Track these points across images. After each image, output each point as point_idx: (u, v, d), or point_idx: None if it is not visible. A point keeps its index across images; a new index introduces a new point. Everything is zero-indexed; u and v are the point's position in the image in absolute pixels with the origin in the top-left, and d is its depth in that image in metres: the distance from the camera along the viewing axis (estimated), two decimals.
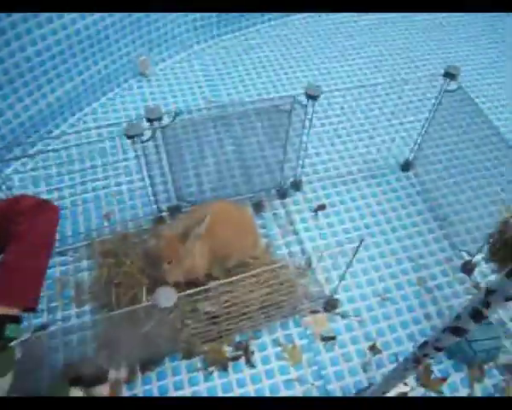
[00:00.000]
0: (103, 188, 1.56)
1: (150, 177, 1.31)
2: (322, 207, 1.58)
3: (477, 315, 0.60)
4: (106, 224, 1.48)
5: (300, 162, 1.53)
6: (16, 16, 1.38)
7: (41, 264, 0.96)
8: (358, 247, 1.01)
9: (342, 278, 1.19)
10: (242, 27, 2.24)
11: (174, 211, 1.50)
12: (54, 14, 1.48)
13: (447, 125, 1.65)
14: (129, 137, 1.13)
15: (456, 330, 0.66)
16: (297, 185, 1.61)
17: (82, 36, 1.61)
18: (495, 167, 1.67)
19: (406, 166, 1.72)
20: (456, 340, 0.68)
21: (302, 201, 1.60)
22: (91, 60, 1.70)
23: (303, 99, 1.29)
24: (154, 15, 1.84)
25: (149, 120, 1.17)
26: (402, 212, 1.60)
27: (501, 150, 1.53)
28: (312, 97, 1.27)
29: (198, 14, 2.03)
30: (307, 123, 1.37)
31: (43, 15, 1.45)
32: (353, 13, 2.42)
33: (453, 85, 1.42)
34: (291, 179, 1.60)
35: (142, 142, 1.16)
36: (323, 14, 2.41)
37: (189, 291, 0.93)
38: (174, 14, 1.94)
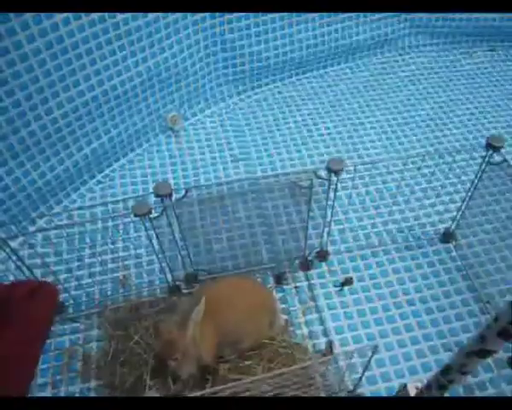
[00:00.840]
0: (115, 259, 1.52)
1: (162, 248, 1.25)
2: (349, 281, 1.46)
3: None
4: (121, 290, 1.43)
5: (327, 230, 1.43)
6: (44, 81, 1.40)
7: (32, 351, 0.92)
8: (372, 356, 0.90)
9: (366, 368, 1.07)
10: (277, 80, 2.19)
11: (190, 279, 1.43)
12: (81, 78, 1.49)
13: (491, 198, 1.50)
14: (136, 216, 1.07)
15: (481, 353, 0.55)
16: (323, 256, 1.51)
17: (109, 96, 1.61)
18: None
19: (446, 238, 1.58)
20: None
21: (327, 273, 1.49)
22: (119, 118, 1.70)
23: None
24: (183, 72, 1.83)
25: (158, 196, 1.12)
26: (439, 290, 1.45)
27: None
28: (334, 172, 1.18)
29: (230, 68, 2.00)
30: (332, 194, 1.27)
31: (70, 79, 1.47)
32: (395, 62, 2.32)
33: (497, 158, 1.28)
34: (316, 249, 1.50)
35: (151, 219, 1.10)
36: (361, 64, 2.33)
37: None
38: (205, 70, 1.92)
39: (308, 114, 2.05)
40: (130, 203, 1.47)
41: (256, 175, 1.73)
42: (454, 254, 1.55)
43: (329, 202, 1.31)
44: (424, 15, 2.34)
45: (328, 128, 1.99)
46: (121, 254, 1.49)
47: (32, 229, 1.56)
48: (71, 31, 1.40)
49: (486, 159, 1.28)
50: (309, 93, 2.18)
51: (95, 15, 1.44)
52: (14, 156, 1.43)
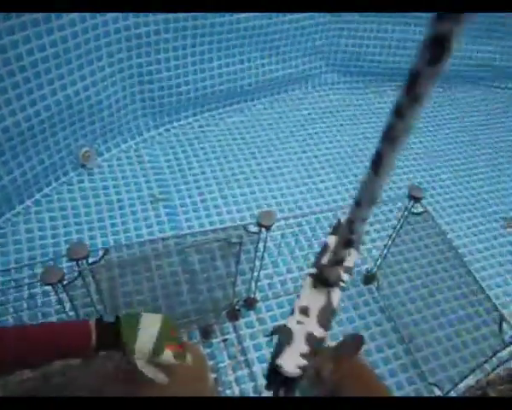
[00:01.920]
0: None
1: (76, 313, 1.11)
2: (280, 330, 1.42)
3: None
4: None
5: (255, 277, 1.38)
6: None
7: None
8: None
9: None
10: (197, 113, 2.13)
11: None
12: None
13: (412, 244, 1.56)
14: (47, 285, 0.94)
15: None
16: (251, 303, 1.46)
17: (11, 133, 1.43)
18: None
19: (368, 279, 1.61)
20: None
21: (256, 322, 1.44)
22: (23, 157, 1.51)
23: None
24: (97, 105, 1.69)
25: (73, 259, 0.99)
26: (365, 334, 1.47)
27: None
28: (265, 227, 1.14)
29: (148, 101, 1.90)
30: (261, 246, 1.23)
31: None
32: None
33: (419, 208, 1.33)
34: (244, 297, 1.45)
35: (64, 286, 0.97)
36: (280, 99, 2.36)
37: None
38: (121, 102, 1.80)
39: (230, 150, 2.01)
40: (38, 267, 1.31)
41: (182, 231, 1.63)
42: (376, 295, 1.59)
43: (258, 253, 1.27)
44: (339, 56, 2.43)
45: (250, 166, 1.95)
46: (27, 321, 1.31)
47: None
48: None
49: (408, 208, 1.32)
50: (229, 127, 2.14)
51: None
52: None
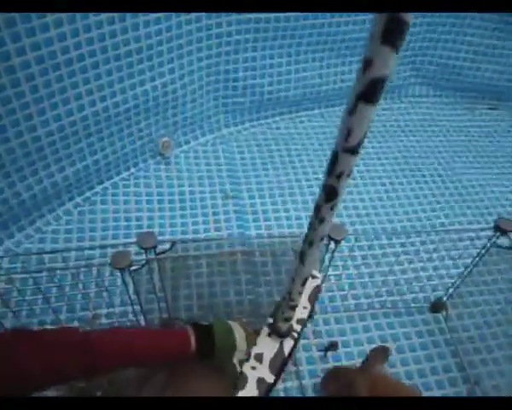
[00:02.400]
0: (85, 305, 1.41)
1: (139, 298, 1.14)
2: (334, 346, 1.38)
3: None
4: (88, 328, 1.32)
5: None
6: (30, 97, 1.29)
7: None
8: None
9: None
10: (276, 114, 2.12)
11: (164, 326, 1.33)
12: (71, 96, 1.39)
13: (490, 277, 1.44)
14: (115, 268, 0.97)
15: None
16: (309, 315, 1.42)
17: (99, 117, 1.51)
18: None
19: (436, 308, 1.51)
20: None
21: (312, 335, 1.40)
22: (107, 141, 1.59)
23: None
24: (182, 98, 1.74)
25: (142, 248, 1.02)
26: (426, 366, 1.38)
27: None
28: (335, 241, 1.10)
29: (230, 99, 1.92)
30: (327, 261, 1.19)
31: (59, 98, 1.36)
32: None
33: (504, 241, 1.22)
34: None
35: (131, 272, 1.00)
36: None
37: None
38: (204, 98, 1.84)
39: (306, 155, 1.98)
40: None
41: (248, 231, 1.63)
42: (443, 325, 1.49)
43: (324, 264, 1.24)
44: (431, 68, 2.31)
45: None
46: (93, 300, 1.38)
47: None
48: (66, 47, 1.29)
49: (492, 240, 1.22)
50: (308, 132, 2.11)
51: (94, 33, 1.34)
52: None
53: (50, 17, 1.21)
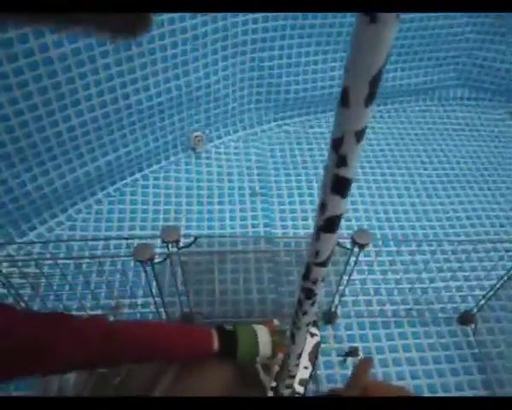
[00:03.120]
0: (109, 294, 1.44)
1: (161, 290, 1.16)
2: (354, 352, 1.35)
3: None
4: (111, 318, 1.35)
5: (340, 292, 1.32)
6: (65, 88, 1.33)
7: None
8: None
9: None
10: (310, 113, 2.09)
11: (185, 320, 1.34)
12: (105, 89, 1.41)
13: None
14: (137, 261, 0.99)
15: None
16: (330, 318, 1.40)
17: (133, 110, 1.53)
18: None
19: (465, 320, 1.46)
20: None
21: (332, 339, 1.38)
22: (140, 133, 1.62)
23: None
24: (215, 94, 1.74)
25: (164, 242, 1.03)
26: (450, 380, 1.33)
27: None
28: (360, 245, 1.08)
29: (264, 95, 1.91)
30: (352, 264, 1.17)
31: (94, 89, 1.39)
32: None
33: None
34: (324, 308, 1.40)
35: (153, 265, 1.01)
36: (399, 109, 2.22)
37: None
38: (237, 93, 1.84)
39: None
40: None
41: (274, 230, 1.62)
42: (472, 339, 1.43)
43: (349, 267, 1.21)
44: (475, 70, 2.22)
45: (357, 175, 1.88)
46: (118, 289, 1.41)
47: (31, 235, 1.49)
48: (90, 44, 1.31)
49: None
50: None
51: None
52: (23, 160, 1.36)
53: None
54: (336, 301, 1.36)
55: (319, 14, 1.73)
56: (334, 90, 2.02)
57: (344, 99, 0.36)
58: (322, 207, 0.45)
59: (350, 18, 1.79)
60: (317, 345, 1.07)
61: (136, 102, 1.52)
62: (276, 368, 0.95)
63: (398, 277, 1.52)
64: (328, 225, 0.47)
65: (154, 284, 1.11)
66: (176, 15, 1.44)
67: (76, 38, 1.26)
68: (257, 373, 0.92)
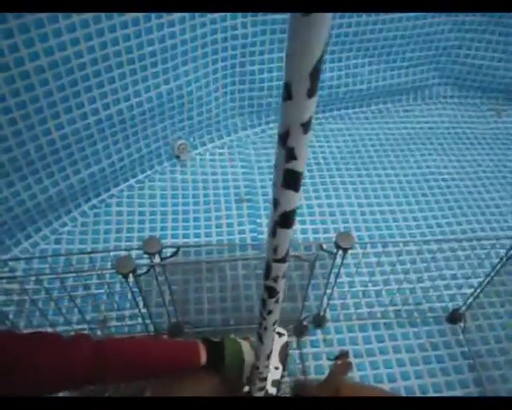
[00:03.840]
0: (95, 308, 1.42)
1: (146, 303, 1.15)
2: (343, 355, 1.34)
3: None
4: (98, 333, 1.33)
5: (327, 295, 1.32)
6: (44, 102, 1.31)
7: None
8: None
9: None
10: None
11: (174, 331, 1.33)
12: (85, 100, 1.40)
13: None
14: (120, 274, 0.98)
15: None
16: (319, 322, 1.40)
17: (114, 120, 1.52)
18: None
19: (454, 318, 1.46)
20: None
21: (322, 342, 1.38)
22: (123, 143, 1.61)
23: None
24: (197, 101, 1.74)
25: (147, 253, 1.02)
26: (441, 380, 1.33)
27: None
28: (343, 249, 1.08)
29: (247, 101, 1.91)
30: (337, 267, 1.17)
31: (74, 101, 1.38)
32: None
33: None
34: (314, 313, 1.39)
35: (136, 277, 1.00)
36: (383, 109, 2.23)
37: None
38: (220, 100, 1.83)
39: (323, 158, 1.95)
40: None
41: (261, 235, 1.61)
42: (461, 337, 1.43)
43: (334, 270, 1.21)
44: (456, 68, 2.24)
45: (343, 177, 1.88)
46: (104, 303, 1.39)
47: (15, 251, 1.47)
48: (79, 51, 1.31)
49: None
50: (326, 134, 2.08)
51: (107, 37, 1.35)
52: (4, 175, 1.34)
53: (63, 22, 1.23)
54: (325, 305, 1.36)
55: None
56: (325, 92, 2.02)
57: (287, 92, 0.36)
58: (276, 203, 0.46)
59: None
60: (286, 344, 1.06)
61: (117, 113, 1.51)
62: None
63: (385, 277, 1.52)
64: (284, 220, 0.48)
65: (138, 295, 1.10)
66: (153, 24, 1.43)
67: (52, 51, 1.25)
68: (242, 384, 0.91)
